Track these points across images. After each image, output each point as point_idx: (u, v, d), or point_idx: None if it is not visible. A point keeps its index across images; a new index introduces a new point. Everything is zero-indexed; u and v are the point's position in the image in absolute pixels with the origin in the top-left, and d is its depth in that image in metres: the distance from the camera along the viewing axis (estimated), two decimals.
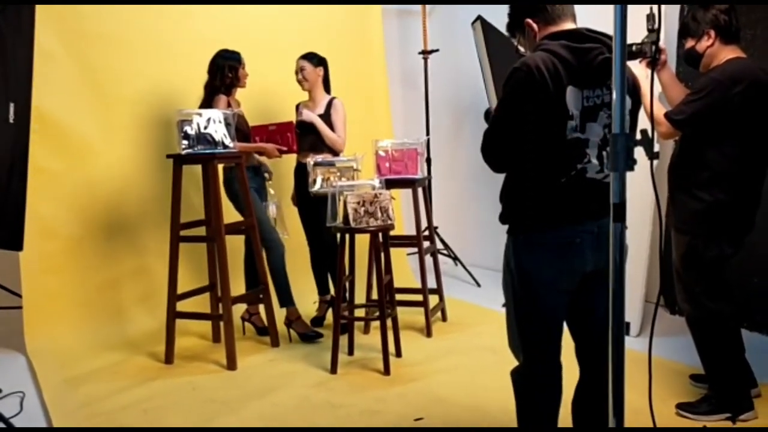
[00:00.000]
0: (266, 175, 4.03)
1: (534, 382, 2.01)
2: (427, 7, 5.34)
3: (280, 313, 3.85)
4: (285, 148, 3.90)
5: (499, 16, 2.36)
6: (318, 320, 4.15)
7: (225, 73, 3.74)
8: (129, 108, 4.04)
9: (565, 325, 2.03)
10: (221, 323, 3.58)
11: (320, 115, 3.97)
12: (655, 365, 2.55)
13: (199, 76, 3.80)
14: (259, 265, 3.77)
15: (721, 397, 2.62)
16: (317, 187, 3.69)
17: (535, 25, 1.94)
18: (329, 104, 4.03)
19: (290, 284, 3.90)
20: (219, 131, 3.38)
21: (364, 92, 5.17)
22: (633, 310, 3.57)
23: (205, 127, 3.34)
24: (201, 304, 3.83)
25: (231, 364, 3.43)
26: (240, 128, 3.76)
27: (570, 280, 1.91)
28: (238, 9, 4.49)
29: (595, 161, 1.84)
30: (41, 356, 3.46)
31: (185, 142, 3.33)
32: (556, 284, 1.90)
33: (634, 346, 2.98)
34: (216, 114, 3.40)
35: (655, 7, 2.30)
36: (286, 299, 3.88)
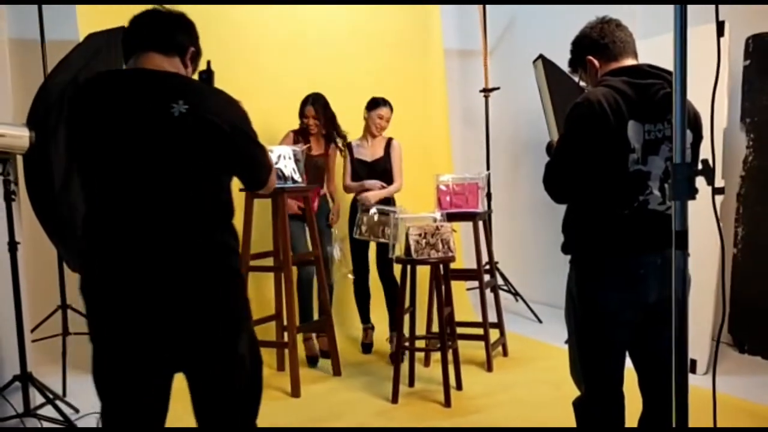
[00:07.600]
0: (332, 216, 4.24)
1: (596, 411, 2.02)
2: (489, 46, 5.46)
3: (342, 342, 3.94)
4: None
5: (559, 54, 2.44)
6: (367, 347, 4.27)
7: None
8: None
9: (628, 356, 2.03)
10: (285, 351, 3.69)
11: (379, 157, 4.12)
12: (724, 403, 2.50)
13: (278, 117, 4.06)
14: (323, 296, 3.88)
15: None
16: (363, 231, 3.93)
17: (596, 62, 2.00)
18: (388, 144, 4.16)
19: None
20: (288, 167, 3.55)
21: (426, 129, 5.30)
22: (700, 347, 3.49)
23: (276, 163, 3.52)
24: (264, 332, 3.95)
25: (295, 392, 3.52)
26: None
27: (633, 311, 1.93)
28: (306, 51, 4.76)
29: (657, 193, 1.88)
30: None
31: None
32: (618, 314, 1.92)
33: (700, 383, 2.95)
34: (286, 150, 3.59)
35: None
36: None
